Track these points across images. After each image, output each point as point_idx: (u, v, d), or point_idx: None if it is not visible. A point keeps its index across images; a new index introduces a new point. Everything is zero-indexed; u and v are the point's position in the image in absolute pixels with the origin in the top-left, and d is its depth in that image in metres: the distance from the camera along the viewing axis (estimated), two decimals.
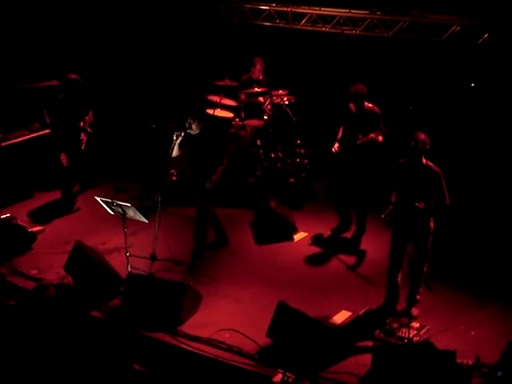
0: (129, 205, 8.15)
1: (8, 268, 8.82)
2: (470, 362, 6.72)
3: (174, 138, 8.70)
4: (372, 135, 9.00)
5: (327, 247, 9.43)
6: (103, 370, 7.25)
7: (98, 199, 8.43)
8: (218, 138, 9.09)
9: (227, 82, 11.19)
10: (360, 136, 9.04)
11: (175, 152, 8.80)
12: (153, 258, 8.82)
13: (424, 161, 7.49)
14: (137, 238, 9.40)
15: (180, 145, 8.73)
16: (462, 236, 9.41)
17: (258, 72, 11.25)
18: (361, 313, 7.78)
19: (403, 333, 7.20)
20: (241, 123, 11.17)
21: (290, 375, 6.78)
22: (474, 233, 9.42)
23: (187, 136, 8.68)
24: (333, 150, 9.29)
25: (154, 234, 8.75)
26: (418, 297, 7.79)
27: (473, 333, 7.41)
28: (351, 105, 9.19)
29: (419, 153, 7.44)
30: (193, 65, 13.17)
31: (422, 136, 7.43)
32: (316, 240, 9.62)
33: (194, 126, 8.65)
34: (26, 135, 10.97)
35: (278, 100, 11.13)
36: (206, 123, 8.84)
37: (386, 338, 7.25)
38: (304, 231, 9.80)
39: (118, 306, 8.05)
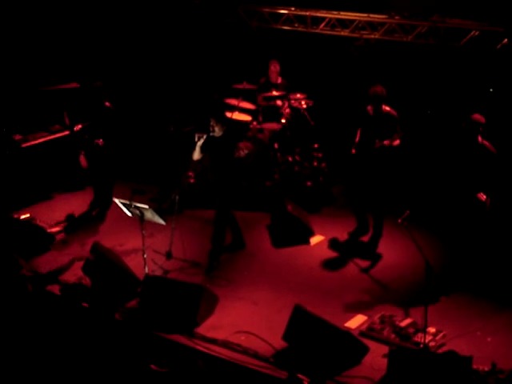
0: (147, 207, 8.19)
1: (27, 268, 8.91)
2: (486, 368, 6.68)
3: (196, 140, 8.74)
4: (387, 141, 9.00)
5: (344, 251, 9.41)
6: (120, 370, 7.30)
7: (117, 201, 8.49)
8: (241, 140, 9.14)
9: (245, 86, 11.21)
10: (377, 140, 9.05)
11: (197, 154, 8.84)
12: (168, 255, 8.91)
13: (480, 139, 7.96)
14: (154, 239, 9.44)
15: (202, 147, 8.77)
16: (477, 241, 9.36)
17: (273, 74, 11.26)
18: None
19: (419, 338, 7.19)
20: (258, 126, 11.19)
21: (304, 378, 6.79)
22: (490, 238, 9.36)
23: (210, 138, 8.72)
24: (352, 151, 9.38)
25: (170, 233, 8.80)
26: None
27: (489, 339, 7.36)
28: (369, 107, 9.20)
29: (474, 131, 7.92)
30: (211, 68, 13.20)
31: (476, 116, 7.94)
32: (333, 244, 9.61)
33: (217, 129, 8.68)
34: (46, 136, 11.07)
35: (296, 104, 11.16)
36: (229, 126, 8.88)
37: (402, 342, 7.25)
38: (321, 235, 9.80)
39: (135, 307, 8.09)
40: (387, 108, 9.12)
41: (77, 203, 10.62)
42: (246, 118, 11.22)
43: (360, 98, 9.44)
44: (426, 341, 7.12)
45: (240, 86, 11.21)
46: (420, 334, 7.21)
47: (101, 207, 10.49)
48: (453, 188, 8.19)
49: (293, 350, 7.23)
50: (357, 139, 9.42)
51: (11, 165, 10.66)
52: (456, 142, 8.16)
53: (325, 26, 11.65)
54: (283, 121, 11.11)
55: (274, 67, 11.23)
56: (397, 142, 9.09)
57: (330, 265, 9.10)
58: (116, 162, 10.40)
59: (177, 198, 8.98)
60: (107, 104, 10.12)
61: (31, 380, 7.28)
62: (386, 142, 9.01)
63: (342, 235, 9.74)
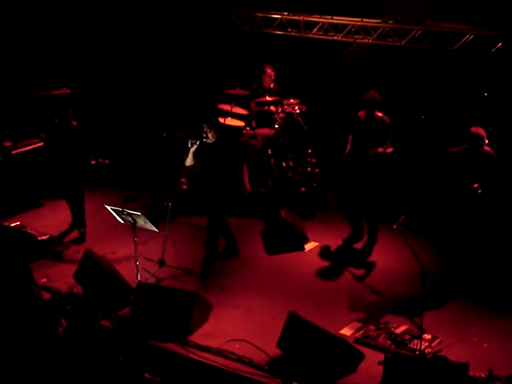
0: (139, 214, 8.12)
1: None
2: (483, 375, 6.64)
3: (189, 146, 8.68)
4: (381, 149, 8.95)
5: (338, 257, 9.36)
6: (113, 378, 7.21)
7: (108, 208, 8.41)
8: (234, 146, 9.10)
9: (238, 91, 11.15)
10: (370, 149, 8.98)
11: (189, 160, 8.80)
12: (161, 263, 8.85)
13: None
14: (147, 246, 9.37)
15: (195, 153, 8.71)
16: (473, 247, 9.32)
17: (268, 79, 11.16)
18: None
19: (415, 344, 7.14)
20: (252, 132, 11.13)
21: None
22: (486, 243, 9.31)
23: (203, 144, 8.66)
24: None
25: (162, 240, 8.74)
26: None
27: (485, 345, 7.32)
28: (360, 113, 9.14)
29: (480, 142, 8.06)
30: (204, 73, 13.16)
31: (477, 130, 8.14)
32: (327, 250, 9.55)
33: (210, 135, 8.63)
34: (36, 143, 10.97)
35: (290, 109, 11.10)
36: (222, 132, 8.83)
37: (398, 349, 7.18)
38: (315, 241, 9.74)
39: (127, 315, 8.01)
40: (380, 114, 9.07)
41: (67, 210, 10.50)
42: (239, 123, 11.16)
43: (354, 103, 9.39)
44: (422, 347, 7.07)
45: (233, 91, 11.15)
46: (416, 341, 7.16)
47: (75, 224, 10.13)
48: (453, 195, 8.22)
49: (287, 358, 7.16)
50: (348, 145, 9.36)
51: (0, 172, 10.56)
52: (457, 154, 8.24)
53: (318, 30, 11.65)
54: (276, 126, 11.06)
55: (270, 72, 11.16)
56: (390, 150, 9.02)
57: (324, 271, 9.04)
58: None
59: (169, 204, 8.92)
60: (74, 123, 9.70)
61: None
62: (379, 150, 8.95)
63: (337, 241, 9.68)
